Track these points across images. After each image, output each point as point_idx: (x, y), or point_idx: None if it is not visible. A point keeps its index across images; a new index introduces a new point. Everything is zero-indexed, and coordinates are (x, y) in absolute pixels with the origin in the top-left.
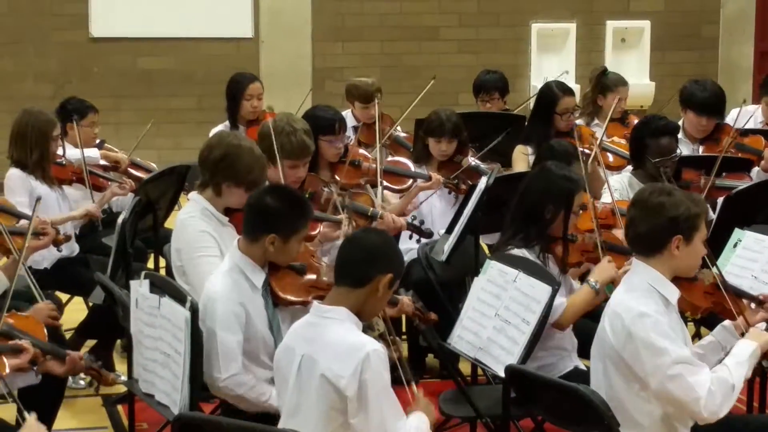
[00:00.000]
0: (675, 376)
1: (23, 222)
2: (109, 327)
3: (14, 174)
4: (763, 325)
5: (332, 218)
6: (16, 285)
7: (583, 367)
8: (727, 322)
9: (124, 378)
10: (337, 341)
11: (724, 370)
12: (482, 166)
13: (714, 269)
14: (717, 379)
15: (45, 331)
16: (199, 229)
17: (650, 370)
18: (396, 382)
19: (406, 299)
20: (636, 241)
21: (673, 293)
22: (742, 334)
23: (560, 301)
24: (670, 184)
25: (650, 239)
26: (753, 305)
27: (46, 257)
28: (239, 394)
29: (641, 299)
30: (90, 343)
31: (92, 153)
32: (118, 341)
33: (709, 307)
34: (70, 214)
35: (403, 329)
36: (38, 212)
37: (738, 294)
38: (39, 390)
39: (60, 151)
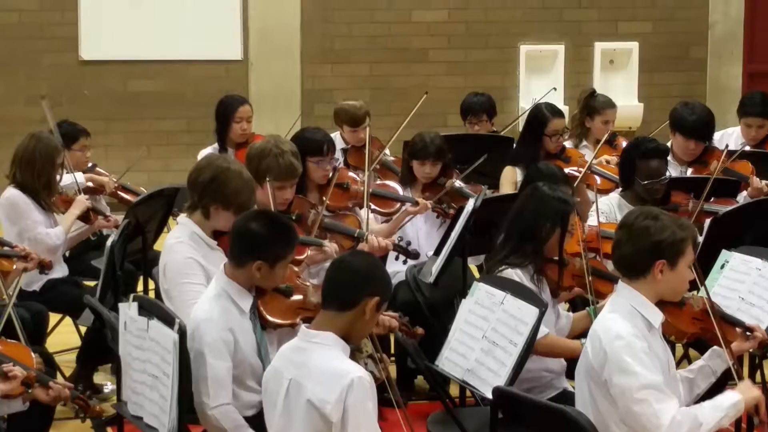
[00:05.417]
0: (640, 401)
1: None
2: (100, 351)
3: (16, 196)
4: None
5: (318, 242)
6: None
7: (571, 390)
8: (717, 347)
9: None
10: (323, 367)
11: (699, 408)
12: (465, 188)
13: (704, 295)
14: (686, 413)
15: (33, 357)
16: (186, 255)
17: (618, 391)
18: (386, 403)
19: (391, 316)
20: (620, 264)
21: (656, 316)
22: (733, 363)
23: (544, 330)
24: (658, 208)
25: (634, 262)
26: (744, 332)
27: (35, 280)
28: (224, 427)
29: (620, 321)
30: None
31: (78, 177)
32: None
33: (696, 333)
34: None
35: (392, 350)
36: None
37: (728, 321)
38: (27, 415)
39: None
